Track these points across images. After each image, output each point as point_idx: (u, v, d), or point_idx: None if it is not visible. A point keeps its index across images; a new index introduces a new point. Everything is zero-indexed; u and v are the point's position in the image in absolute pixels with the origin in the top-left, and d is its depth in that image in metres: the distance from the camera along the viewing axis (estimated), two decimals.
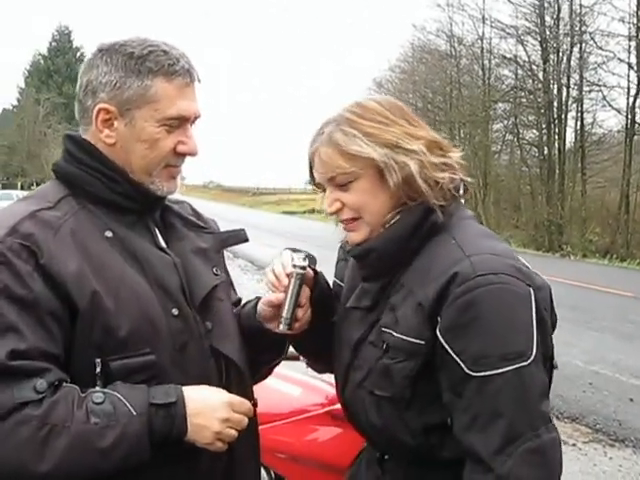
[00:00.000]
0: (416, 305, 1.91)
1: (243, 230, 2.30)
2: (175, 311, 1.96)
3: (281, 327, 2.11)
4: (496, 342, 1.82)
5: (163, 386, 1.87)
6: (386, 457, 2.11)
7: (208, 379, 2.00)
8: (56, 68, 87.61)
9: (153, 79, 1.96)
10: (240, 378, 2.12)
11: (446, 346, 1.86)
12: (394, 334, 1.95)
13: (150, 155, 1.98)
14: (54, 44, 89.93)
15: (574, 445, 7.19)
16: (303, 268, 2.08)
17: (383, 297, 2.05)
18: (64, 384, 1.80)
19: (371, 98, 2.11)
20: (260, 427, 3.47)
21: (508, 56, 37.53)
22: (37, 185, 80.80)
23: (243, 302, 2.38)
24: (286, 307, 2.09)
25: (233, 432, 1.92)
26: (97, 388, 1.81)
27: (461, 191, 2.09)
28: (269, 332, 2.19)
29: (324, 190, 2.12)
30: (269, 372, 2.49)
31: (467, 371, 1.83)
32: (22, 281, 1.78)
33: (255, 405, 2.17)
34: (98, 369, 1.83)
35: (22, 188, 67.30)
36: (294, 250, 2.17)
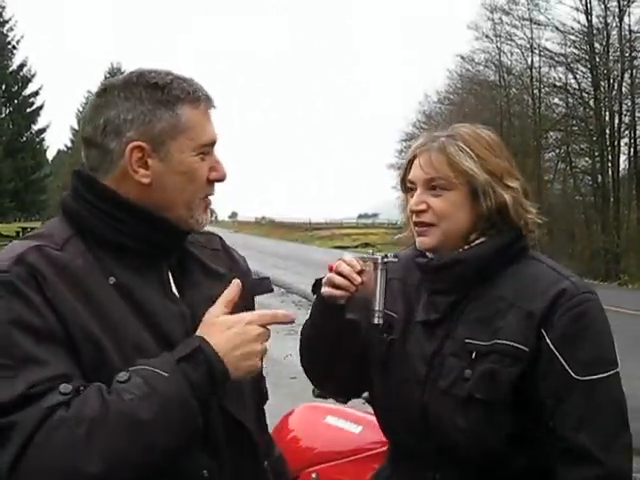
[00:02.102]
0: (524, 315, 2.08)
1: (268, 279, 2.27)
2: None
3: (378, 320, 2.15)
4: (601, 349, 2.09)
5: (181, 343, 1.77)
6: (437, 476, 2.18)
7: (214, 433, 1.87)
8: None
9: (182, 107, 1.85)
10: (248, 439, 1.99)
11: (556, 353, 2.05)
12: (499, 342, 2.09)
13: (190, 187, 1.88)
14: None
15: None
16: (395, 256, 2.20)
17: (455, 311, 2.19)
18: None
19: (482, 129, 2.32)
20: (321, 466, 3.41)
21: (558, 84, 37.38)
22: None
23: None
24: (378, 299, 2.14)
25: (267, 345, 1.84)
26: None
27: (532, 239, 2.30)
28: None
29: (407, 191, 2.28)
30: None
31: (574, 376, 2.04)
32: (36, 310, 1.68)
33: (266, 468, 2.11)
34: None
35: None
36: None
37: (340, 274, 2.13)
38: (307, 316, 2.31)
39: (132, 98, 1.83)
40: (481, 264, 2.18)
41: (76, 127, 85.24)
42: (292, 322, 1.88)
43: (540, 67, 38.21)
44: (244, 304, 2.03)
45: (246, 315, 1.83)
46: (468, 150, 2.19)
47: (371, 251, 2.20)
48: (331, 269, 2.16)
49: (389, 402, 2.28)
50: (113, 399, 1.62)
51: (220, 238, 2.20)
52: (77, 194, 1.90)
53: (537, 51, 37.79)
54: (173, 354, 1.72)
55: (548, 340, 2.06)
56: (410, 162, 2.27)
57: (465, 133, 2.25)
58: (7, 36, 65.49)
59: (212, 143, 1.91)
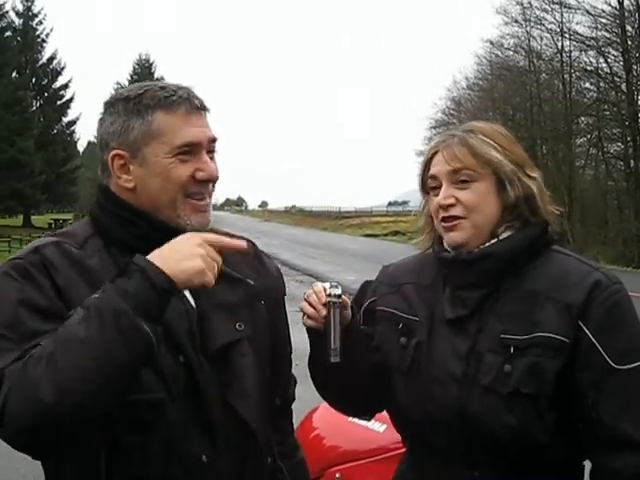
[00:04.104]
0: (563, 307, 2.08)
1: (282, 282, 2.33)
2: (182, 358, 1.95)
3: (333, 359, 2.12)
4: (636, 338, 2.10)
5: None
6: (476, 474, 2.15)
7: (215, 429, 1.98)
8: None
9: (153, 114, 1.98)
10: (253, 439, 2.06)
11: (596, 344, 2.05)
12: (540, 334, 2.07)
13: (168, 186, 1.99)
14: (135, 76, 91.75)
15: None
16: (339, 296, 2.10)
17: (485, 305, 2.17)
18: None
19: (495, 124, 2.33)
20: (345, 465, 3.41)
21: (589, 69, 37.11)
22: None
23: None
24: (332, 338, 2.10)
25: (217, 257, 1.85)
26: None
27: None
28: None
29: (429, 191, 2.26)
30: None
31: (614, 365, 2.04)
32: (44, 294, 1.85)
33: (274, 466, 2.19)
34: None
35: None
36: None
37: (310, 304, 2.13)
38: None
39: (113, 113, 2.03)
40: (513, 257, 2.17)
41: None
42: (244, 250, 1.96)
43: (571, 51, 38.01)
44: (252, 312, 2.13)
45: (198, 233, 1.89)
46: (490, 141, 2.20)
47: (334, 283, 2.13)
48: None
49: (419, 405, 2.21)
50: (60, 331, 1.73)
51: (253, 244, 2.24)
52: (99, 203, 2.09)
53: (567, 35, 37.60)
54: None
55: (587, 331, 2.06)
56: (428, 162, 2.27)
57: (482, 127, 2.26)
58: (36, 30, 66.20)
59: (191, 144, 1.99)
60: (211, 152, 2.04)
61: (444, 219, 2.19)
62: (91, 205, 2.14)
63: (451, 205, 2.17)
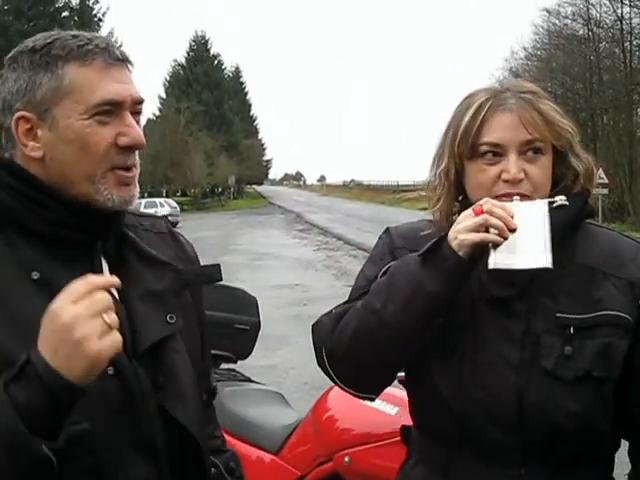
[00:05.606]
0: (625, 284, 1.93)
1: (217, 266, 1.90)
2: (111, 370, 1.58)
3: (546, 263, 1.79)
4: None
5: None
6: (523, 472, 1.91)
7: (154, 444, 1.67)
8: (194, 77, 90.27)
9: (64, 67, 1.62)
10: (194, 446, 1.74)
11: None
12: (608, 313, 1.90)
13: (86, 157, 1.62)
14: (192, 53, 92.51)
15: None
16: (563, 201, 1.90)
17: (535, 282, 1.91)
18: None
19: None
20: (354, 449, 3.33)
21: None
22: (181, 192, 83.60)
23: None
24: (544, 239, 1.80)
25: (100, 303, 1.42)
26: None
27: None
28: None
29: (470, 157, 1.93)
30: None
31: None
32: None
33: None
34: None
35: (167, 195, 69.65)
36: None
37: (499, 217, 1.80)
38: None
39: (17, 68, 1.65)
40: (564, 229, 1.91)
41: (164, 96, 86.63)
42: (114, 285, 1.51)
43: (631, 18, 37.20)
44: (181, 300, 1.83)
45: (57, 301, 1.43)
46: (557, 108, 1.94)
47: (517, 197, 1.85)
48: (479, 213, 1.81)
49: (465, 394, 1.94)
50: None
51: (166, 221, 2.00)
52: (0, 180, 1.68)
53: (627, 1, 36.72)
54: (5, 375, 1.42)
55: None
56: (483, 122, 1.91)
57: (540, 90, 1.97)
58: (93, 9, 66.42)
59: (112, 102, 1.64)
60: (136, 115, 1.70)
61: (506, 196, 1.89)
62: None
63: (521, 180, 1.89)
